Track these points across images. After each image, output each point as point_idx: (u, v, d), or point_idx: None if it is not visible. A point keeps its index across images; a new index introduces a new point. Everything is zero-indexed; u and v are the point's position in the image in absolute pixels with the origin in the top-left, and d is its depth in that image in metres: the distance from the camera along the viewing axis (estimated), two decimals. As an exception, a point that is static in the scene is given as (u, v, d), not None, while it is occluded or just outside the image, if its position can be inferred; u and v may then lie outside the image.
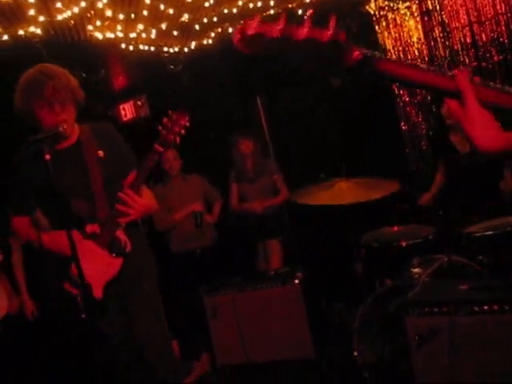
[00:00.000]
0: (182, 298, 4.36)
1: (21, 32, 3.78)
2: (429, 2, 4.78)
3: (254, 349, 4.07)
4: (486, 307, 2.52)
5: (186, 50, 5.22)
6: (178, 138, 2.69)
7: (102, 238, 2.73)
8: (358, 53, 1.09)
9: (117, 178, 2.81)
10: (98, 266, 2.71)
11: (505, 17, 4.44)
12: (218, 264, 4.88)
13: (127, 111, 6.25)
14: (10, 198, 2.92)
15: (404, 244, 3.67)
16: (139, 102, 6.23)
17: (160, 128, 2.66)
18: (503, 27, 4.47)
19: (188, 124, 2.68)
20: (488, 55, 4.58)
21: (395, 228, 4.02)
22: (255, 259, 5.08)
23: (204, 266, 4.81)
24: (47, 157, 2.52)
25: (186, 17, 4.33)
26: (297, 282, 4.01)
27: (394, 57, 4.96)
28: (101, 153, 2.77)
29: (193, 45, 5.19)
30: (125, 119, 6.24)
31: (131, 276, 2.80)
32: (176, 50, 5.19)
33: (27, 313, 3.99)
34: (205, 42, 5.12)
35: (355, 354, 3.27)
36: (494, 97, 1.19)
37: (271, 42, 1.04)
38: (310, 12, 1.07)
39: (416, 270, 3.36)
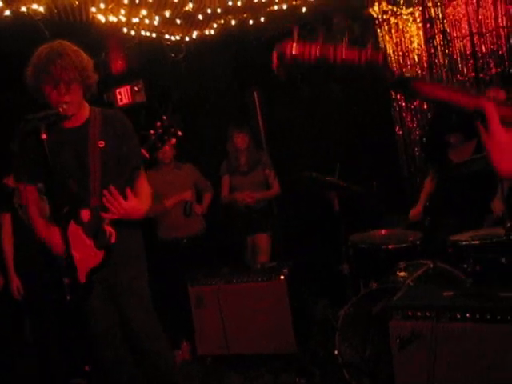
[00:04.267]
0: (165, 286, 4.37)
1: (23, 9, 3.75)
2: (432, 10, 4.80)
3: (236, 341, 4.11)
4: (468, 315, 2.56)
5: (187, 39, 5.21)
6: (167, 148, 2.63)
7: (90, 227, 2.73)
8: (393, 74, 1.12)
9: (115, 171, 2.77)
10: (83, 253, 2.72)
11: (505, 30, 4.48)
12: (204, 254, 4.90)
13: (123, 96, 6.23)
14: (14, 166, 2.89)
15: (391, 247, 3.72)
16: (136, 88, 6.21)
17: (151, 132, 2.64)
18: (503, 40, 4.51)
19: (180, 135, 2.65)
20: (486, 66, 4.62)
21: (383, 231, 4.07)
22: (243, 252, 5.10)
23: (190, 256, 4.82)
24: (44, 136, 2.51)
25: (190, 6, 4.32)
26: (282, 277, 4.05)
27: (395, 65, 5.00)
28: (102, 143, 2.75)
29: (194, 34, 5.18)
30: (120, 104, 6.21)
31: (118, 266, 2.80)
32: (178, 38, 5.18)
33: (13, 289, 3.96)
34: (207, 32, 5.12)
35: (336, 352, 3.32)
36: None
37: (309, 64, 1.05)
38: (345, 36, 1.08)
39: (401, 274, 3.41)
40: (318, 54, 1.05)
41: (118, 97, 6.22)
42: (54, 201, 2.52)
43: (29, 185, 2.87)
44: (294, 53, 1.04)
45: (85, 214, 2.73)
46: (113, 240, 2.76)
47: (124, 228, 2.79)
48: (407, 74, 1.13)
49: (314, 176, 3.97)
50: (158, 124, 2.63)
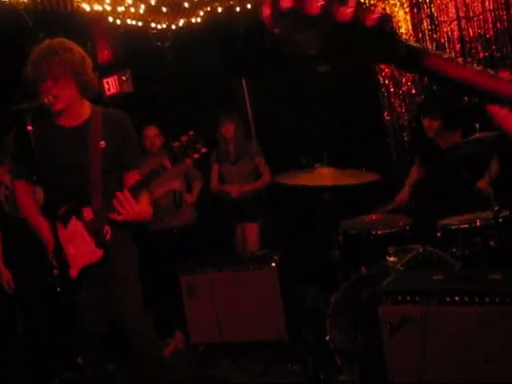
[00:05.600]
0: (157, 276, 4.37)
1: (5, -2, 3.71)
2: (420, -6, 4.80)
3: (229, 329, 4.12)
4: (457, 298, 2.58)
5: (173, 27, 5.17)
6: (190, 161, 2.72)
7: (92, 225, 2.77)
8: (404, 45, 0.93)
9: (115, 171, 2.83)
10: (81, 249, 2.77)
11: (492, 14, 4.48)
12: (195, 244, 4.89)
13: (111, 86, 6.18)
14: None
15: (380, 233, 3.73)
16: (123, 77, 6.16)
17: (176, 144, 2.69)
18: (490, 24, 4.51)
19: (203, 152, 2.71)
20: (474, 51, 4.62)
21: (373, 217, 4.08)
22: (233, 241, 5.10)
23: (180, 245, 4.81)
24: (29, 128, 2.51)
25: (176, -6, 4.29)
26: (273, 265, 4.06)
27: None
28: (103, 143, 2.77)
29: (181, 22, 5.14)
30: (108, 93, 6.17)
31: (111, 261, 2.83)
32: (164, 26, 5.14)
33: (3, 282, 3.94)
34: (193, 20, 5.07)
35: (327, 338, 3.34)
36: None
37: (307, 20, 0.84)
38: None
39: (391, 259, 3.43)
40: (321, 7, 0.83)
41: (106, 86, 6.17)
42: (48, 196, 2.53)
43: (18, 179, 2.91)
44: (293, 2, 0.83)
45: (87, 212, 2.77)
46: (108, 237, 2.80)
47: (117, 224, 2.80)
48: (417, 45, 0.98)
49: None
50: (184, 138, 2.69)
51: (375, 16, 0.85)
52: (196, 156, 2.70)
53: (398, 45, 0.91)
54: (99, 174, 2.78)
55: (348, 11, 0.83)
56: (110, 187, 2.76)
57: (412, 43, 0.94)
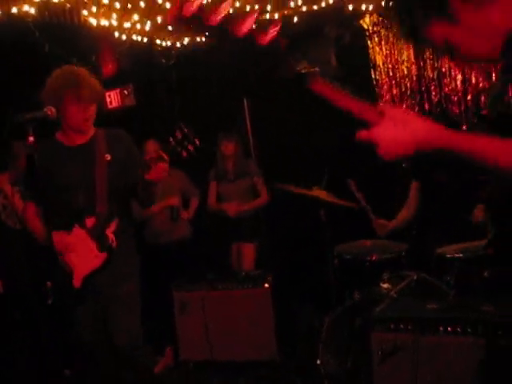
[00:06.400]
0: (150, 290, 4.35)
1: (14, 10, 3.74)
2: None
3: (219, 347, 4.11)
4: (449, 328, 2.58)
5: (178, 44, 5.21)
6: (184, 153, 2.82)
7: (95, 231, 2.89)
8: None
9: (119, 182, 2.98)
10: (85, 256, 2.88)
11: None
12: (190, 260, 4.89)
13: (113, 99, 6.21)
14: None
15: (375, 258, 3.74)
16: (125, 91, 6.20)
17: (170, 139, 2.82)
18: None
19: (197, 144, 2.82)
20: (474, 82, 4.67)
21: (368, 242, 4.08)
22: (228, 259, 5.10)
23: (175, 261, 4.82)
24: (31, 139, 2.54)
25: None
26: (267, 285, 4.07)
27: (384, 76, 5.06)
28: (108, 156, 2.95)
29: (186, 40, 5.19)
30: (110, 107, 6.19)
31: (113, 273, 2.92)
32: (169, 43, 5.18)
33: None
34: (198, 38, 5.12)
35: (318, 362, 3.33)
36: None
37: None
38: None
39: (385, 285, 3.42)
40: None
41: (108, 100, 6.19)
42: (48, 212, 2.62)
43: (29, 202, 3.02)
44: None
45: (89, 221, 2.90)
46: (114, 245, 2.93)
47: (121, 235, 2.96)
48: (307, 71, 1.22)
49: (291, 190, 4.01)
50: (178, 132, 2.81)
51: (267, 37, 1.10)
52: (191, 148, 2.81)
53: (285, 65, 1.16)
54: (104, 188, 2.92)
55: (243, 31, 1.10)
56: (112, 197, 2.92)
57: (304, 69, 1.16)
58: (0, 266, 3.98)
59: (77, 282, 2.86)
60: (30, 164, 2.53)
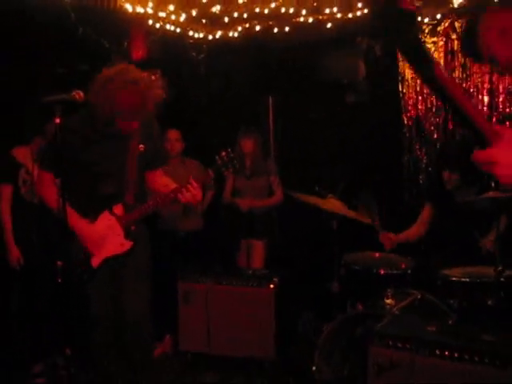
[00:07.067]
0: (157, 277, 4.41)
1: (52, -10, 3.78)
2: (455, 43, 4.83)
3: (218, 341, 4.16)
4: (447, 353, 2.60)
5: (210, 37, 5.24)
6: (227, 173, 3.08)
7: (124, 219, 3.02)
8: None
9: (146, 169, 3.14)
10: (110, 241, 3.01)
11: (524, 72, 4.51)
12: (199, 251, 4.94)
13: (141, 83, 6.25)
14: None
15: (382, 272, 3.75)
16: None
17: (217, 158, 2.98)
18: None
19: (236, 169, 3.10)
20: (501, 106, 4.65)
21: (377, 254, 4.10)
22: (237, 254, 5.14)
23: (184, 250, 4.87)
24: (57, 120, 2.61)
25: (217, 8, 4.36)
26: (272, 286, 4.10)
27: (412, 91, 5.05)
28: (142, 147, 3.05)
29: (218, 34, 5.21)
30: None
31: (129, 266, 3.09)
32: (201, 35, 5.21)
33: (13, 260, 3.97)
34: (230, 34, 5.15)
35: (314, 368, 3.36)
36: None
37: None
38: None
39: (388, 301, 3.45)
40: None
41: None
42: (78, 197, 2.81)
43: (47, 172, 3.06)
44: None
45: (118, 209, 3.02)
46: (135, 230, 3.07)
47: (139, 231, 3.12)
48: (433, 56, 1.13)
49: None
50: (224, 153, 2.98)
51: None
52: (232, 170, 3.05)
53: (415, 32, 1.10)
54: (134, 176, 3.03)
55: None
56: (141, 186, 3.07)
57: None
58: (17, 240, 4.03)
59: (96, 262, 2.99)
60: (56, 141, 2.60)
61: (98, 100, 2.78)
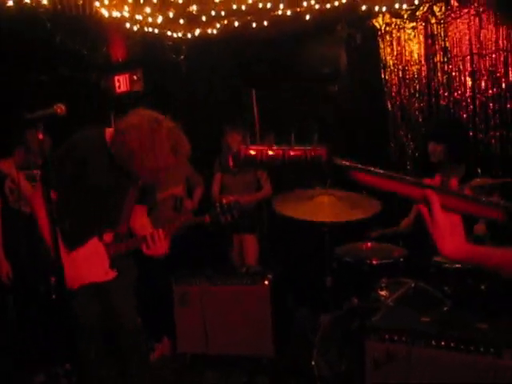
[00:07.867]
0: (151, 281, 4.41)
1: (27, 0, 3.73)
2: (435, 27, 4.83)
3: (216, 341, 4.17)
4: (443, 343, 2.63)
5: (189, 35, 5.20)
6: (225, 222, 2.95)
7: (111, 248, 2.93)
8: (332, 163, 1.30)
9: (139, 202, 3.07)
10: (94, 267, 2.91)
11: (505, 53, 4.52)
12: (192, 250, 4.93)
13: (121, 83, 6.21)
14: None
15: (375, 263, 3.76)
16: (135, 77, 6.20)
17: (218, 205, 2.95)
18: (501, 63, 4.55)
19: (232, 220, 2.98)
20: (483, 88, 4.66)
21: (369, 245, 4.10)
22: (230, 251, 5.14)
23: (177, 250, 4.85)
24: (40, 136, 2.58)
25: (194, 8, 4.32)
26: (266, 283, 4.11)
27: (395, 78, 5.05)
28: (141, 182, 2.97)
29: (197, 32, 5.17)
30: (118, 91, 6.20)
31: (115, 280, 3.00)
32: (179, 35, 5.16)
33: (2, 274, 3.97)
34: (209, 31, 5.11)
35: (313, 363, 3.38)
36: (454, 204, 1.34)
37: (261, 161, 1.29)
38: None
39: (383, 292, 3.46)
40: (269, 154, 1.28)
41: (117, 84, 6.20)
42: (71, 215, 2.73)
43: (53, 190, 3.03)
44: (248, 154, 1.28)
45: (108, 237, 2.93)
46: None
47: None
48: (345, 163, 1.19)
49: None
50: (226, 200, 2.98)
51: (312, 153, 1.29)
52: (229, 219, 2.95)
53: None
54: (130, 209, 2.98)
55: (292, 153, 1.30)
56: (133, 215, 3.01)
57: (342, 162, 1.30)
58: (7, 250, 4.01)
59: (75, 286, 2.87)
60: (45, 158, 2.56)
61: (142, 153, 2.66)
